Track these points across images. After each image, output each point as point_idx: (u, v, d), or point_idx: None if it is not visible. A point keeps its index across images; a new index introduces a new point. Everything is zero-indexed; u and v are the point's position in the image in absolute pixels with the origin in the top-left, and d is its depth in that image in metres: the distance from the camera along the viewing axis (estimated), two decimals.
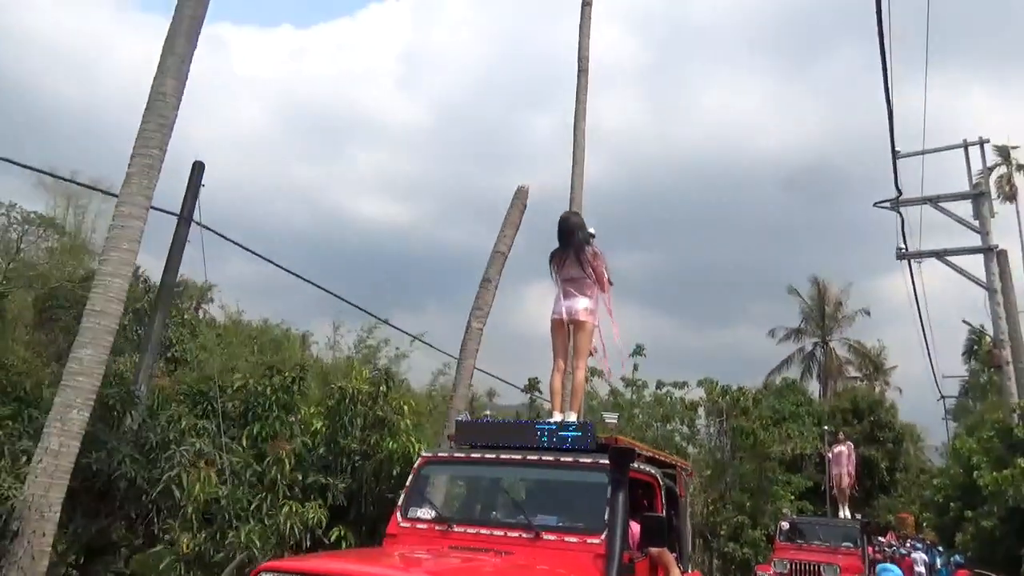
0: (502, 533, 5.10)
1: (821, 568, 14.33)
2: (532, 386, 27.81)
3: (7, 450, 7.02)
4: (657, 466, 5.97)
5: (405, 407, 12.59)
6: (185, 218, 11.15)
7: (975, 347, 32.86)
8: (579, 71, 15.07)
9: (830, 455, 20.13)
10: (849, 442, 20.53)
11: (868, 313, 43.09)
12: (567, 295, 6.12)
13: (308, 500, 9.04)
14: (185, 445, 8.60)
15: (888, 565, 14.98)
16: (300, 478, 9.13)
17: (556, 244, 6.27)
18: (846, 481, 18.78)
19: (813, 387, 41.65)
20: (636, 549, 5.12)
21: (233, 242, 12.27)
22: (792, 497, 24.97)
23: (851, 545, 15.27)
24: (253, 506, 8.37)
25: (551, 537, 4.90)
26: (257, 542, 7.95)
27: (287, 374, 11.52)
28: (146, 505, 8.38)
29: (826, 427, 29.44)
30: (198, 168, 11.42)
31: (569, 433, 5.36)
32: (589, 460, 5.13)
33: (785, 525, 16.90)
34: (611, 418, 5.90)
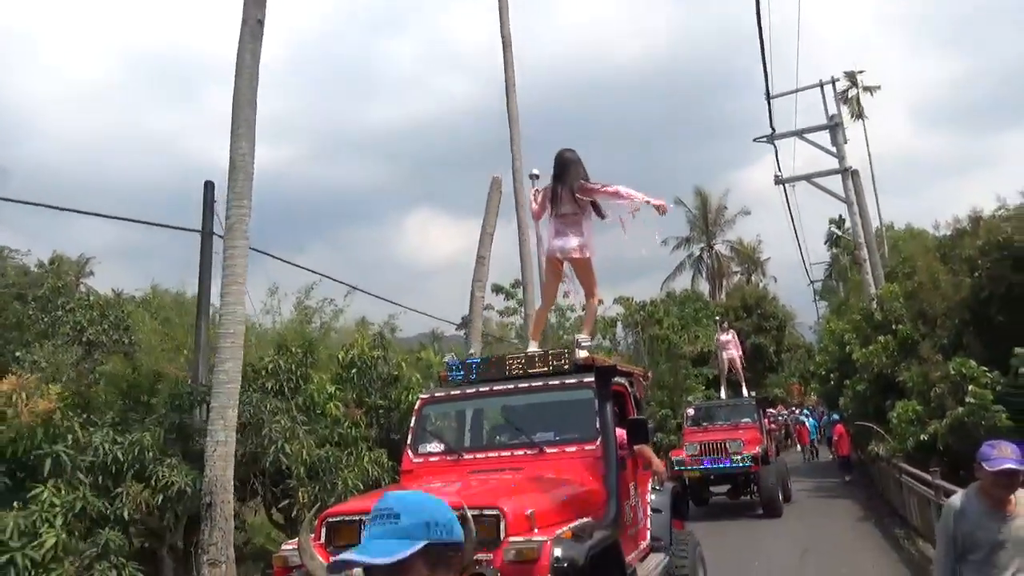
0: (508, 453, 5.59)
1: (726, 444, 15.03)
2: (464, 323, 30.46)
3: (176, 450, 9.15)
4: (624, 376, 6.47)
5: (403, 364, 15.18)
6: (207, 233, 12.87)
7: (836, 236, 38.25)
8: (504, 46, 17.13)
9: (718, 342, 21.22)
10: (731, 329, 22.03)
11: (748, 213, 48.26)
12: (558, 233, 6.09)
13: (373, 450, 11.57)
14: (269, 424, 10.81)
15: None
16: (373, 435, 11.52)
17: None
18: (738, 363, 19.97)
19: (704, 287, 46.88)
20: (623, 448, 5.69)
21: (260, 251, 13.97)
22: (703, 387, 29.23)
23: (749, 420, 16.41)
24: (343, 460, 10.78)
25: (552, 450, 5.43)
26: (352, 485, 10.45)
27: (295, 349, 13.55)
28: (257, 472, 10.63)
29: (716, 317, 33.37)
30: (210, 187, 13.06)
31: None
32: (575, 380, 5.62)
33: (691, 411, 17.82)
34: (585, 342, 6.15)
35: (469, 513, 3.58)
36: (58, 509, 7.09)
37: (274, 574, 4.38)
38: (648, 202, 5.93)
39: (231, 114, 9.35)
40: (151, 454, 8.98)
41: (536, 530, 3.96)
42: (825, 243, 39.68)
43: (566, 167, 6.11)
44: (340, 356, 14.90)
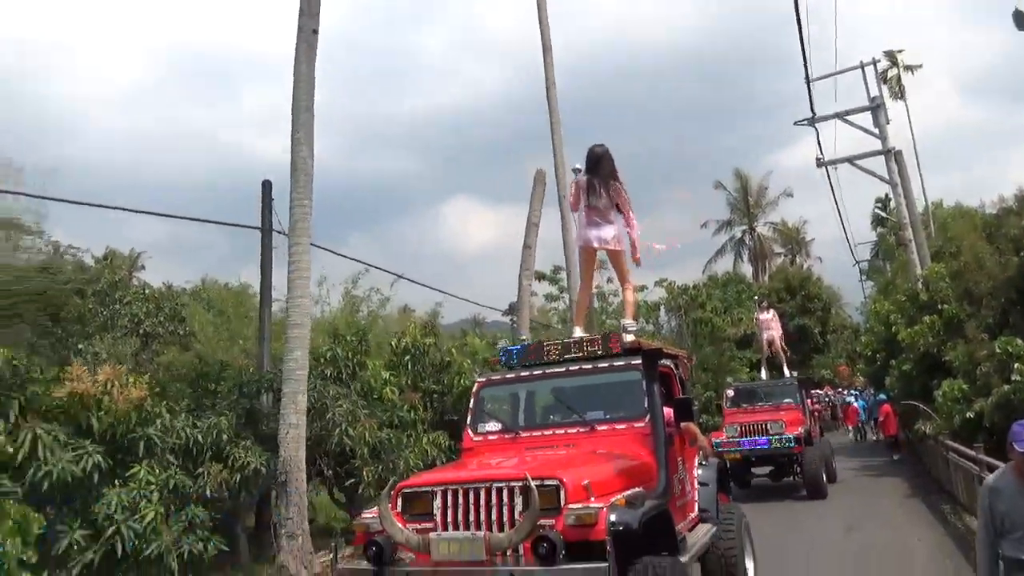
0: (562, 431, 5.91)
1: (767, 425, 14.74)
2: (512, 309, 31.01)
3: (248, 434, 9.85)
4: (669, 358, 6.80)
5: (454, 350, 15.78)
6: (267, 230, 13.58)
7: (881, 216, 37.72)
8: (544, 50, 17.50)
9: (757, 321, 20.57)
10: (771, 308, 21.27)
11: (791, 195, 47.73)
12: (591, 223, 6.58)
13: (430, 432, 12.21)
14: (332, 408, 11.48)
15: None
16: (432, 416, 12.14)
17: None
18: (778, 343, 19.13)
19: (746, 270, 46.64)
20: (671, 426, 6.04)
21: (319, 247, 14.64)
22: (747, 370, 29.34)
23: (791, 401, 15.94)
24: (403, 442, 11.42)
25: (603, 428, 5.76)
26: (413, 464, 11.08)
27: (350, 338, 14.18)
28: (321, 453, 11.33)
29: (755, 297, 33.22)
30: (267, 186, 13.75)
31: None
32: (624, 363, 5.98)
33: (730, 393, 17.31)
34: (631, 327, 6.60)
35: (532, 483, 4.10)
36: (153, 486, 7.82)
37: (355, 539, 4.93)
38: (635, 243, 6.74)
39: (290, 120, 9.94)
40: (226, 437, 9.70)
41: (592, 498, 4.38)
42: (871, 223, 39.19)
43: (599, 161, 6.66)
44: (393, 344, 15.58)
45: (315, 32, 10.05)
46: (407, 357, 14.81)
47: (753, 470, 16.00)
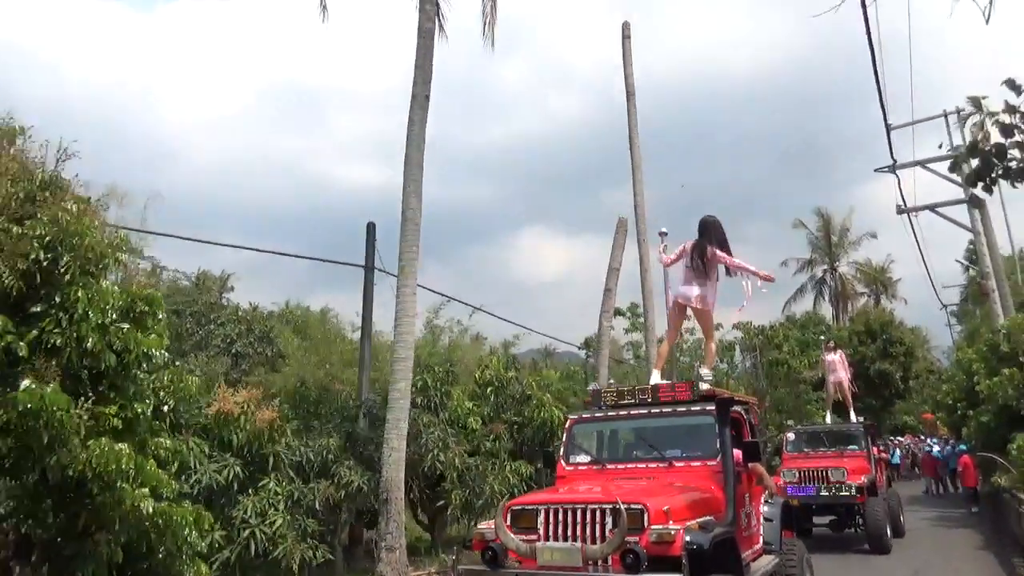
0: (644, 465, 6.70)
1: (828, 472, 14.14)
2: (588, 344, 31.78)
3: (348, 456, 10.99)
4: (740, 405, 7.42)
5: (534, 384, 16.65)
6: (370, 268, 14.91)
7: (973, 257, 36.78)
8: (627, 96, 18.48)
9: (823, 362, 19.64)
10: (840, 349, 20.30)
11: (875, 236, 46.85)
12: (687, 281, 7.51)
13: (516, 460, 13.14)
14: (425, 435, 12.54)
15: None
16: (512, 446, 13.07)
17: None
18: (846, 386, 18.23)
19: (826, 310, 45.94)
20: (739, 465, 6.68)
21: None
22: (823, 412, 29.11)
23: (856, 447, 15.25)
24: (488, 469, 12.39)
25: (680, 464, 6.55)
26: (497, 490, 12.02)
27: (438, 370, 15.14)
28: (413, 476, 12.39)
29: (821, 336, 31.89)
30: (371, 228, 15.12)
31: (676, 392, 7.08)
32: (699, 408, 6.78)
33: (791, 436, 16.60)
34: (708, 377, 7.26)
35: (622, 506, 4.97)
36: (280, 496, 9.01)
37: (472, 547, 5.90)
38: (759, 275, 7.43)
39: (403, 175, 11.19)
40: (332, 457, 10.87)
41: (671, 522, 5.24)
42: (963, 265, 38.16)
43: (707, 229, 7.63)
44: (476, 376, 16.59)
45: (427, 97, 11.32)
46: (489, 389, 15.80)
47: (814, 518, 15.10)
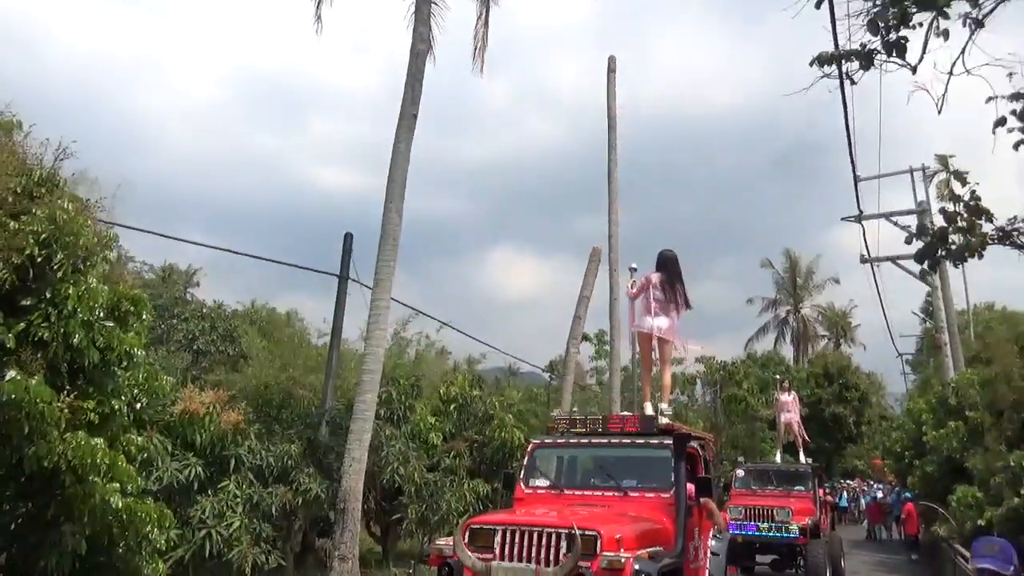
0: (600, 493, 6.91)
1: (774, 511, 14.26)
2: (553, 367, 32.08)
3: (307, 463, 11.07)
4: (697, 441, 7.69)
5: (497, 404, 16.82)
6: (344, 277, 15.02)
7: (930, 309, 37.88)
8: (608, 128, 18.91)
9: (776, 402, 19.92)
10: (793, 390, 20.46)
11: (837, 281, 48.08)
12: (652, 312, 7.75)
13: (474, 478, 13.29)
14: (386, 447, 12.64)
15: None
16: (470, 464, 13.24)
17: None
18: (795, 427, 18.50)
19: (787, 350, 46.90)
20: (691, 499, 6.92)
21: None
22: (777, 451, 29.70)
23: (803, 488, 15.41)
24: (447, 485, 12.53)
25: (635, 494, 6.77)
26: (453, 507, 12.17)
27: (403, 383, 15.26)
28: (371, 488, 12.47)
29: (776, 375, 31.75)
30: (348, 238, 15.25)
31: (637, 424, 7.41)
32: (657, 441, 7.04)
33: (740, 472, 16.64)
34: (667, 411, 7.66)
35: (577, 532, 5.21)
36: (239, 499, 9.08)
37: (429, 562, 6.07)
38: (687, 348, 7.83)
39: (385, 191, 11.41)
40: (292, 463, 10.93)
41: (622, 549, 5.47)
42: (919, 317, 39.26)
43: (667, 263, 7.98)
44: (441, 391, 16.73)
45: (414, 117, 11.57)
46: (453, 406, 15.95)
47: (757, 556, 15.26)
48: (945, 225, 4.11)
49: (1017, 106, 3.60)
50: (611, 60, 19.47)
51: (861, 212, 21.29)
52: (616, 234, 18.05)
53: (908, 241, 4.40)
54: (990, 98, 3.61)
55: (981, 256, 4.06)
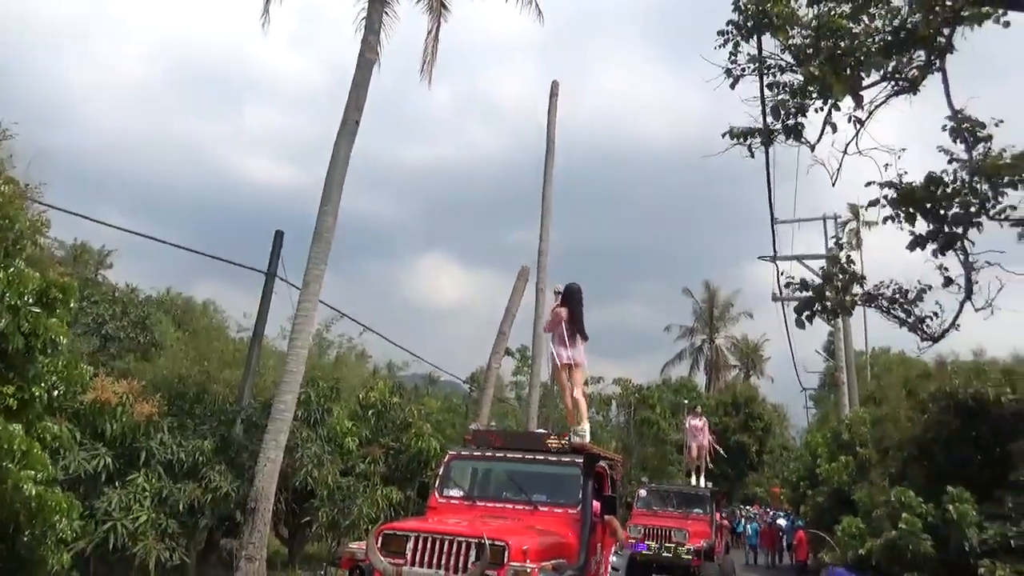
0: (511, 506, 7.24)
1: (672, 532, 14.76)
2: (475, 379, 32.28)
3: (219, 460, 10.96)
4: (606, 461, 8.15)
5: (416, 412, 16.92)
6: (272, 275, 14.87)
7: (832, 348, 39.95)
8: (547, 150, 19.40)
9: (688, 426, 20.48)
10: (704, 417, 21.26)
11: (751, 316, 50.01)
12: (563, 343, 8.21)
13: (388, 485, 13.36)
14: (302, 449, 12.59)
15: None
16: (385, 470, 13.30)
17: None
18: (695, 452, 19.21)
19: (700, 378, 48.51)
20: (597, 516, 7.31)
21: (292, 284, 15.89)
22: (684, 475, 30.73)
23: (701, 511, 15.97)
24: (360, 490, 12.56)
25: (544, 508, 7.09)
26: (365, 513, 12.22)
27: (322, 385, 15.21)
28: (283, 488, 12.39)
29: (687, 400, 33.40)
30: (279, 236, 15.13)
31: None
32: (568, 459, 7.42)
33: (642, 492, 17.10)
34: (582, 432, 7.88)
35: (487, 542, 5.47)
36: (147, 493, 8.95)
37: (341, 565, 6.22)
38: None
39: (322, 194, 11.48)
40: (204, 459, 10.78)
41: (528, 561, 5.76)
42: (824, 356, 41.30)
43: (572, 296, 8.36)
44: (360, 396, 16.70)
45: (357, 123, 11.69)
46: (371, 412, 15.96)
47: (653, 575, 15.59)
48: (822, 283, 4.57)
49: (890, 192, 4.11)
50: (554, 85, 20.01)
51: (776, 252, 22.46)
52: (546, 252, 18.50)
53: (802, 288, 4.85)
54: (869, 183, 4.12)
55: (850, 315, 4.57)
